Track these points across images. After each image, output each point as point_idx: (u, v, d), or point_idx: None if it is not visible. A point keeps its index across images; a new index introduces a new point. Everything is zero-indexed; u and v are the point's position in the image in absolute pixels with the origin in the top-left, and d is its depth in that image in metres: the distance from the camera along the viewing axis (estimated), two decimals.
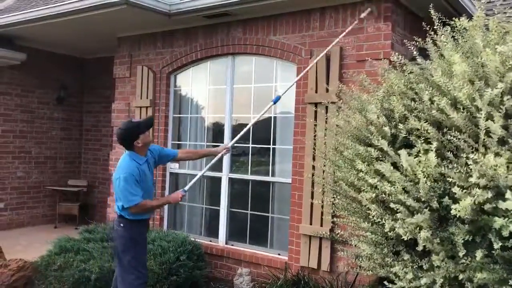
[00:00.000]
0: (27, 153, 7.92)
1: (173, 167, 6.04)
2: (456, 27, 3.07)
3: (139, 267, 3.67)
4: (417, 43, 3.29)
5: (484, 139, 2.51)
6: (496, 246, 2.37)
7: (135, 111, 6.24)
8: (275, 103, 4.34)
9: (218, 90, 5.75)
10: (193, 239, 5.24)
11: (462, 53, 2.93)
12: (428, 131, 2.71)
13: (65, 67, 8.40)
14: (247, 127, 4.25)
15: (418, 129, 2.79)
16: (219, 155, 4.15)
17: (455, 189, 2.43)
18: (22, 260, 4.93)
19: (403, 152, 2.71)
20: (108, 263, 4.47)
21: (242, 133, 4.23)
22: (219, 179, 5.62)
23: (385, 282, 2.90)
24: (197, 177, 4.15)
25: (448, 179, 2.56)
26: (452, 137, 2.62)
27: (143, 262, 3.74)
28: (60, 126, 8.42)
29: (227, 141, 5.52)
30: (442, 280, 2.59)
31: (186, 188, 3.98)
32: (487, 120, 2.46)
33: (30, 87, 7.94)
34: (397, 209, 2.66)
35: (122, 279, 3.66)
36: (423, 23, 3.42)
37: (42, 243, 5.85)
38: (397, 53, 3.33)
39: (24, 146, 7.88)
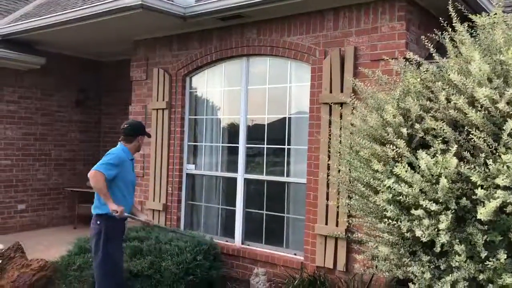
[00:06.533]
0: (47, 155, 8.08)
1: (189, 168, 6.10)
2: (474, 24, 3.04)
3: (108, 264, 3.85)
4: (434, 40, 3.26)
5: (506, 139, 2.46)
6: None
7: (151, 113, 6.32)
8: None
9: (233, 91, 5.78)
10: (209, 239, 5.28)
11: (481, 50, 2.90)
12: (445, 130, 2.68)
13: (83, 71, 8.55)
14: None
15: (434, 129, 2.77)
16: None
17: (478, 191, 2.39)
18: (43, 260, 5.04)
19: (421, 153, 2.69)
20: (126, 262, 4.54)
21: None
22: (234, 180, 5.66)
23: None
24: (135, 218, 4.16)
25: (468, 179, 2.53)
26: (471, 137, 2.58)
27: (114, 260, 3.90)
28: (79, 128, 8.58)
29: (243, 143, 5.57)
30: (463, 281, 2.56)
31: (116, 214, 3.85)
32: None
33: (50, 90, 8.10)
34: (418, 214, 2.63)
35: (96, 274, 3.92)
36: (441, 18, 3.37)
37: (62, 243, 5.96)
38: (412, 52, 3.31)
39: (44, 148, 8.04)
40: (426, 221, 2.60)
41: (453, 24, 3.09)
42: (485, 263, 2.48)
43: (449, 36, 3.10)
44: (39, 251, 6.17)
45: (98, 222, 3.94)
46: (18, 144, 7.67)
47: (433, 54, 3.18)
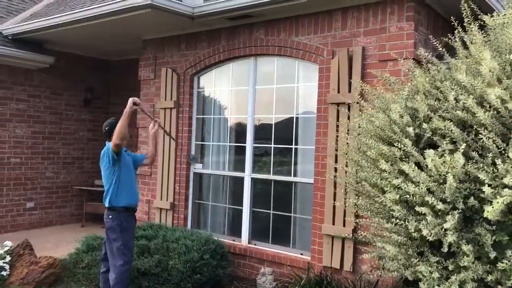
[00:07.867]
0: (55, 154, 8.15)
1: (196, 167, 6.13)
2: (483, 25, 3.03)
3: (126, 253, 4.04)
4: (443, 41, 3.25)
5: None
6: None
7: (159, 112, 6.35)
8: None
9: (241, 91, 5.80)
10: (216, 238, 5.30)
11: (491, 51, 2.88)
12: (452, 130, 2.68)
13: (92, 70, 8.61)
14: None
15: (442, 129, 2.77)
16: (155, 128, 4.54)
17: (486, 189, 2.39)
18: (51, 257, 5.09)
19: (428, 153, 2.69)
20: (134, 261, 4.57)
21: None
22: (241, 179, 5.67)
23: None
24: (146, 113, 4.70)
25: (476, 179, 2.52)
26: (479, 137, 2.58)
27: (130, 248, 4.12)
28: (87, 127, 8.64)
29: (250, 142, 5.58)
30: (471, 282, 2.55)
31: (137, 101, 4.16)
32: None
33: (58, 89, 8.17)
34: (424, 213, 2.63)
35: (113, 265, 4.02)
36: (452, 18, 3.35)
37: (70, 241, 6.02)
38: (423, 50, 3.30)
39: (53, 147, 8.11)
40: (430, 218, 2.59)
41: (463, 25, 3.08)
42: (496, 264, 2.47)
43: (459, 36, 3.09)
44: (48, 248, 6.22)
45: (110, 216, 4.07)
46: (27, 143, 7.74)
47: (444, 54, 3.17)
